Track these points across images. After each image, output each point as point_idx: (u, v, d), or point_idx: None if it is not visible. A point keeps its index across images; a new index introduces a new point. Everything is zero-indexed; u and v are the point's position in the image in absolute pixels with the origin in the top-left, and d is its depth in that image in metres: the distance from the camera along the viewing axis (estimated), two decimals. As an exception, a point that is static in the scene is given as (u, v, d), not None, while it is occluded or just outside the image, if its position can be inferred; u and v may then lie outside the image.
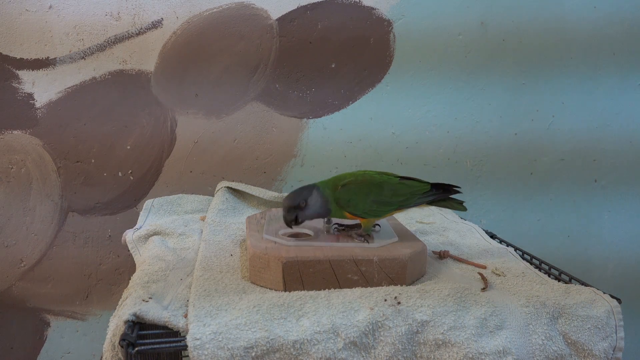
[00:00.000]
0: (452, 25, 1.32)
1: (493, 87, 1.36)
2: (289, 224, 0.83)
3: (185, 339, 0.61)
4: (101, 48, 1.24)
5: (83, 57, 1.24)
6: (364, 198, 0.82)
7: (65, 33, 1.22)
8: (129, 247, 0.97)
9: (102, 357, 0.68)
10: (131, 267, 1.29)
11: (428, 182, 0.85)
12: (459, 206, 0.87)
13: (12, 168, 1.25)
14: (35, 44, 1.22)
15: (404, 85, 1.33)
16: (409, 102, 1.34)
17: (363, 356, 0.65)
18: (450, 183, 0.86)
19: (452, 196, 0.86)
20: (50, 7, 1.21)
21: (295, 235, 0.85)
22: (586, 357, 0.70)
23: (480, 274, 0.82)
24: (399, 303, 0.68)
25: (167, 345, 0.63)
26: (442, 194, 0.85)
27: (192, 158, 1.30)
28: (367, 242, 0.81)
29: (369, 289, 0.72)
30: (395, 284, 0.76)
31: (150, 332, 0.65)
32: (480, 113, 1.36)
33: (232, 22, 1.26)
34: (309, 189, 0.83)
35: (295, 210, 0.82)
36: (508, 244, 1.00)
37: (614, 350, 0.71)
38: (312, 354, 0.63)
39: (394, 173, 0.87)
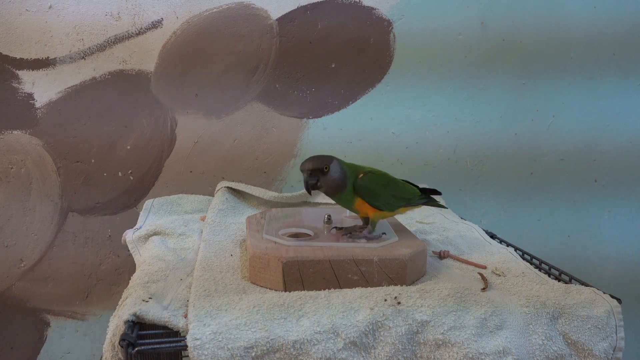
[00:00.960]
0: (452, 25, 1.32)
1: (493, 87, 1.36)
2: (309, 188, 0.81)
3: (185, 339, 0.61)
4: (101, 48, 1.24)
5: (83, 57, 1.24)
6: (384, 190, 0.84)
7: (65, 33, 1.22)
8: (129, 247, 0.97)
9: (102, 357, 0.68)
10: (131, 267, 1.29)
11: (417, 186, 0.92)
12: (439, 205, 0.95)
13: (12, 168, 1.25)
14: (35, 44, 1.22)
15: (404, 85, 1.33)
16: (409, 102, 1.34)
17: (363, 356, 0.65)
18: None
19: (434, 197, 0.95)
20: (50, 7, 1.21)
21: (295, 235, 0.85)
22: (586, 357, 0.70)
23: (480, 274, 0.82)
24: (399, 303, 0.68)
25: (167, 345, 0.63)
26: (429, 198, 0.93)
27: (192, 158, 1.30)
28: (374, 239, 0.82)
29: (369, 289, 0.72)
30: (395, 284, 0.76)
31: (150, 332, 0.65)
32: (480, 113, 1.36)
33: (232, 22, 1.26)
34: (329, 156, 0.82)
35: (317, 173, 0.80)
36: (508, 244, 1.00)
37: (614, 351, 0.71)
38: (312, 354, 0.63)
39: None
